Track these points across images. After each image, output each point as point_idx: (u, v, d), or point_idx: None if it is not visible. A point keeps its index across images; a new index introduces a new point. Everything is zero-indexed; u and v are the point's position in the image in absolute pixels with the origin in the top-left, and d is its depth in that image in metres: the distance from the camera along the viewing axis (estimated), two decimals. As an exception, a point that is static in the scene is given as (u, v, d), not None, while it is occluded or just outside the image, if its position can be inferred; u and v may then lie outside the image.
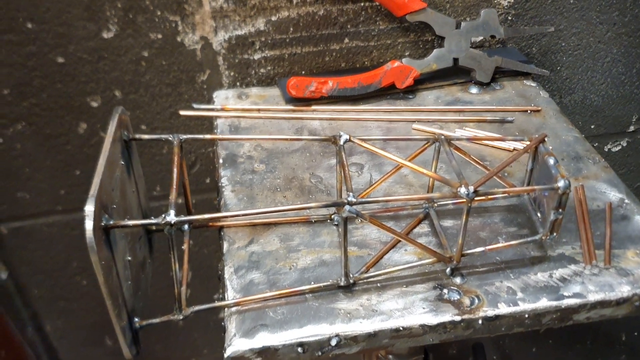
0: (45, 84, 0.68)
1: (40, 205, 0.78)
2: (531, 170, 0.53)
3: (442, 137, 0.52)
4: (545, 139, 0.51)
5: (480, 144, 0.64)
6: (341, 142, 0.51)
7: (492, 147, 0.63)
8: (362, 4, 0.70)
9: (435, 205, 0.55)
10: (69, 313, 0.91)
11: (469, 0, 0.73)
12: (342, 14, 0.71)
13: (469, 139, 0.60)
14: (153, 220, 0.44)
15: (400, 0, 0.67)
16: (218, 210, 0.58)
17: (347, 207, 0.45)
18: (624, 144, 0.94)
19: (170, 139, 0.51)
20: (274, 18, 0.69)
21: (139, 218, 0.54)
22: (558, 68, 0.82)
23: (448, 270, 0.49)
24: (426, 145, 0.54)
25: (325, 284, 0.48)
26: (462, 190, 0.45)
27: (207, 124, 0.76)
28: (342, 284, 0.47)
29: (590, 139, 0.90)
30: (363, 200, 0.46)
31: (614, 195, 0.57)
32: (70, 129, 0.72)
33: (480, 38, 0.71)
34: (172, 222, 0.44)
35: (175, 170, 0.48)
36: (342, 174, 0.49)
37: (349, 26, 0.72)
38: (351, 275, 0.48)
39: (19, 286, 0.86)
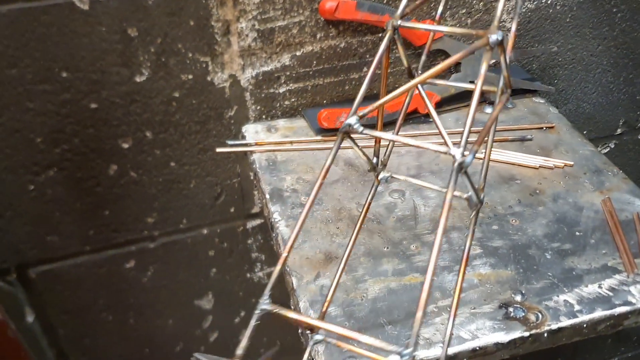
0: (78, 129, 0.69)
1: (69, 247, 0.78)
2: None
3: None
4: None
5: (507, 163, 0.68)
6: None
7: (519, 165, 0.68)
8: (380, 35, 0.74)
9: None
10: (94, 349, 0.91)
11: (477, 25, 0.77)
12: (361, 45, 0.74)
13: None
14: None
15: (419, 31, 0.71)
16: (273, 248, 0.60)
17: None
18: (612, 146, 1.01)
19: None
20: (298, 53, 0.72)
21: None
22: (555, 81, 0.87)
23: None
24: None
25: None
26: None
27: (234, 156, 0.77)
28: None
29: (583, 144, 0.97)
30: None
31: (638, 204, 0.62)
32: (100, 172, 0.73)
33: (493, 61, 0.75)
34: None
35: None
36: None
37: (367, 56, 0.75)
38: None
39: (45, 327, 0.85)
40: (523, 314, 0.52)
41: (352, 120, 0.41)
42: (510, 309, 0.52)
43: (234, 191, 0.81)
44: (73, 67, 0.65)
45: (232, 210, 0.83)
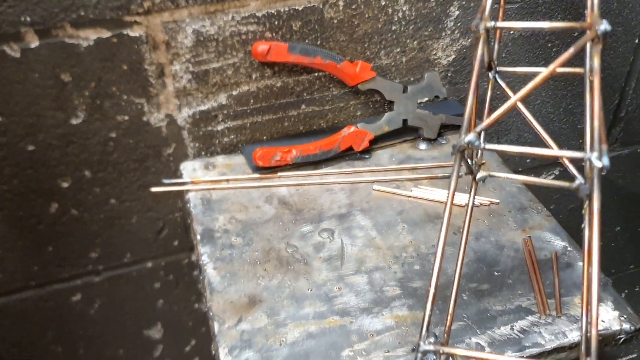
0: (17, 171, 0.70)
1: (14, 282, 0.79)
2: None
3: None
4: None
5: (433, 201, 0.70)
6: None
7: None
8: (316, 74, 0.75)
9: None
10: (44, 381, 0.92)
11: (412, 63, 0.79)
12: (298, 84, 0.76)
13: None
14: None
15: (352, 72, 0.73)
16: (201, 297, 0.62)
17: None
18: (557, 173, 1.03)
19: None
20: (234, 92, 0.73)
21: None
22: (495, 113, 0.89)
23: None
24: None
25: None
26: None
27: (176, 192, 0.79)
28: None
29: (527, 171, 0.99)
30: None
31: (557, 243, 0.65)
32: (41, 210, 0.74)
33: (426, 99, 0.77)
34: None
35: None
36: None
37: (305, 94, 0.77)
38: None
39: (-7, 361, 0.86)
40: (434, 358, 0.53)
41: (471, 137, 0.42)
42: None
43: (176, 225, 0.82)
44: (8, 112, 0.66)
45: (175, 243, 0.84)
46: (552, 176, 1.02)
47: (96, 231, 0.78)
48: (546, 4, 0.82)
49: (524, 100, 0.88)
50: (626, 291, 1.42)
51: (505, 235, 0.65)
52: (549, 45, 0.86)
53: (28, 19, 0.61)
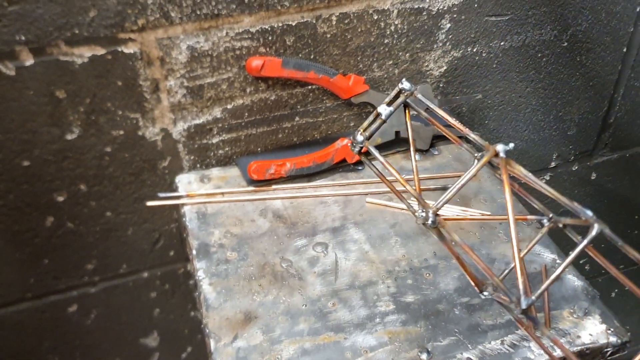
0: (12, 186, 0.71)
1: (11, 294, 0.80)
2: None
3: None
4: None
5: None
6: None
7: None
8: (310, 87, 0.76)
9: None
10: (41, 390, 0.93)
11: (404, 74, 0.80)
12: (292, 97, 0.76)
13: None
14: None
15: (345, 86, 0.73)
16: (196, 305, 0.63)
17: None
18: (547, 178, 1.05)
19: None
20: (229, 106, 0.74)
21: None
22: (486, 122, 0.91)
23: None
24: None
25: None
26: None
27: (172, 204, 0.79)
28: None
29: (518, 178, 1.00)
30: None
31: (547, 256, 0.66)
32: (38, 224, 0.75)
33: (414, 113, 0.78)
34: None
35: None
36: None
37: (298, 106, 0.77)
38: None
39: (-10, 371, 0.87)
40: (427, 374, 0.55)
41: None
42: (415, 368, 0.55)
43: (172, 236, 0.83)
44: (3, 128, 0.66)
45: (171, 253, 0.85)
46: (543, 181, 1.03)
47: (92, 243, 0.79)
48: (535, 15, 0.83)
49: (514, 109, 0.90)
50: (616, 290, 1.44)
51: (497, 248, 0.67)
52: (539, 55, 0.87)
53: (23, 37, 0.62)
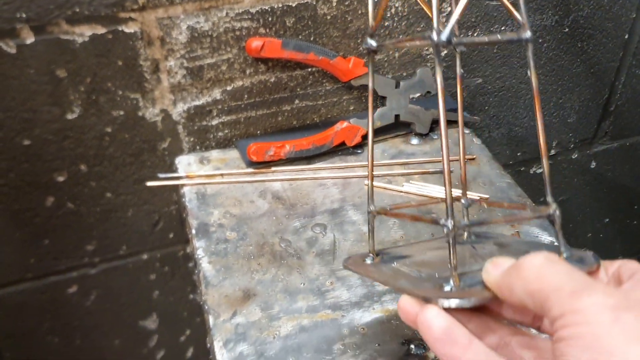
0: (13, 165, 0.71)
1: (10, 275, 0.80)
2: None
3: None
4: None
5: (424, 196, 0.71)
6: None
7: (435, 198, 0.71)
8: (310, 69, 0.76)
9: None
10: (40, 370, 0.93)
11: (404, 58, 0.80)
12: (291, 79, 0.76)
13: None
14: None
15: (345, 68, 0.74)
16: (196, 287, 0.63)
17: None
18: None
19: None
20: (229, 88, 0.74)
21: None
22: (486, 107, 0.91)
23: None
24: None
25: None
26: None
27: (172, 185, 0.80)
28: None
29: (518, 164, 1.00)
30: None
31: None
32: (38, 203, 0.75)
33: (418, 94, 0.78)
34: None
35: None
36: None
37: (298, 89, 0.77)
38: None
39: (-10, 351, 0.88)
40: (423, 351, 0.55)
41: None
42: (412, 346, 0.55)
43: (172, 218, 0.83)
44: (4, 107, 0.67)
45: (171, 235, 0.85)
46: (542, 169, 1.04)
47: (92, 224, 0.79)
48: (537, 0, 0.82)
49: (514, 95, 0.90)
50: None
51: (494, 231, 0.67)
52: (540, 40, 0.87)
53: (24, 15, 0.62)
